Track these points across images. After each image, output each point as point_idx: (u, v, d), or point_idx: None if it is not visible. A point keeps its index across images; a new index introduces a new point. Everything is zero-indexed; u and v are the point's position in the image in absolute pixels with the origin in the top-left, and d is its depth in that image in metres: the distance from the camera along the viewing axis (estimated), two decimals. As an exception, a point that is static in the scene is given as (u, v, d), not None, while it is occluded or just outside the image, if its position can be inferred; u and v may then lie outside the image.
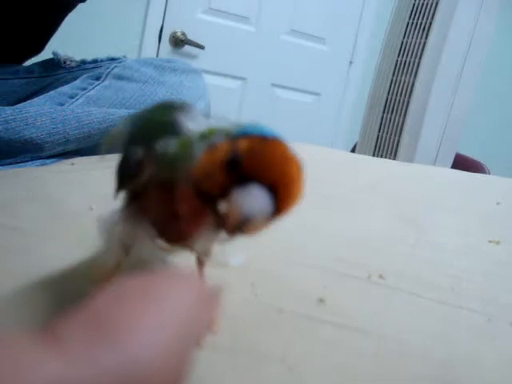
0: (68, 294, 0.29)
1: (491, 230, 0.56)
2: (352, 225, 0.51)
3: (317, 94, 2.49)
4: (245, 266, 0.35)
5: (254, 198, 0.23)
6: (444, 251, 0.47)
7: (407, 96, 1.54)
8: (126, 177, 0.30)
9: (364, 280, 0.37)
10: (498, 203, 0.71)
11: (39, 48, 0.96)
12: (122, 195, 0.30)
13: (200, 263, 0.32)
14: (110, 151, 0.32)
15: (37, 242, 0.36)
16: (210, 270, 0.32)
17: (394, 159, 1.60)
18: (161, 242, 0.30)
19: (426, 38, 1.49)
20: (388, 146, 1.61)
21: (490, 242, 0.52)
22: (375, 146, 1.64)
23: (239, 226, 0.23)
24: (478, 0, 1.49)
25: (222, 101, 1.91)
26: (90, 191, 0.48)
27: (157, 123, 0.30)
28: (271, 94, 2.35)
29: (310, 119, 2.48)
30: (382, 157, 1.63)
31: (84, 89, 0.80)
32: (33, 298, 0.29)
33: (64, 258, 0.33)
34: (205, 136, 0.26)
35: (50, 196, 0.45)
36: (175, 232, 0.29)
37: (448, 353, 0.30)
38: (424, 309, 0.35)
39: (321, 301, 0.33)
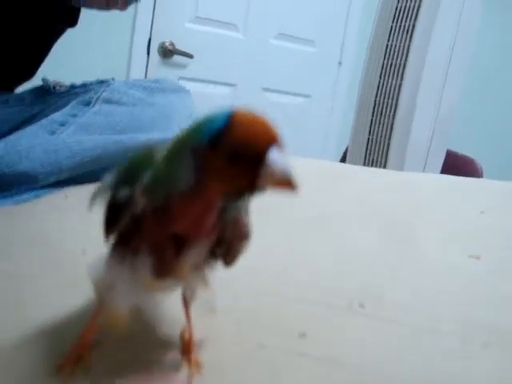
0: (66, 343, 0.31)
1: (472, 244, 0.58)
2: (336, 247, 0.53)
3: (307, 96, 2.51)
4: (231, 303, 0.37)
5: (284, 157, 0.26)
6: (424, 271, 0.49)
7: (395, 98, 1.56)
8: (114, 218, 0.31)
9: (345, 309, 0.39)
10: (481, 212, 0.73)
11: (31, 73, 0.97)
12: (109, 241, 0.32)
13: (186, 304, 0.34)
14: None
15: (33, 289, 0.38)
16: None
17: (385, 161, 1.62)
18: (151, 279, 0.31)
19: (410, 40, 1.51)
20: (379, 149, 1.63)
21: (469, 256, 0.54)
22: (366, 149, 1.66)
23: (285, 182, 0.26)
24: (459, 0, 1.51)
25: (212, 108, 1.91)
26: (83, 232, 0.50)
27: (139, 163, 0.32)
28: (262, 99, 2.36)
29: (302, 121, 2.49)
30: (373, 160, 1.65)
31: (74, 115, 0.81)
32: (30, 349, 0.31)
33: (60, 306, 0.35)
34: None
35: (46, 238, 0.47)
36: (171, 258, 0.30)
37: (423, 381, 0.32)
38: (401, 336, 0.37)
39: (302, 335, 0.35)
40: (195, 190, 0.28)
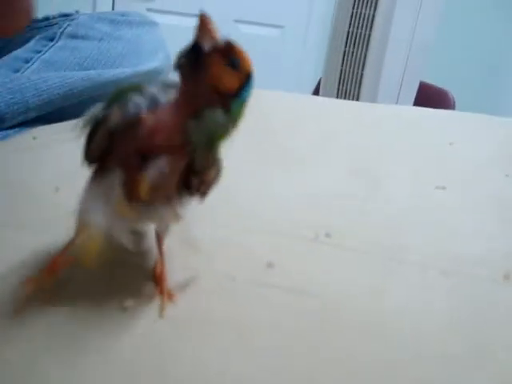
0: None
1: (439, 175, 0.60)
2: (303, 181, 0.54)
3: (280, 26, 2.46)
4: (199, 237, 0.37)
5: None
6: (391, 203, 0.50)
7: (368, 29, 1.54)
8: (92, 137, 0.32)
9: (311, 240, 0.40)
10: (450, 143, 0.74)
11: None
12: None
13: (159, 237, 0.35)
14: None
15: (4, 232, 0.38)
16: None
17: (358, 93, 1.62)
18: (123, 202, 0.32)
19: (385, -32, 1.48)
20: (352, 80, 1.62)
21: (436, 188, 0.55)
22: (339, 81, 1.65)
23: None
24: None
25: (183, 42, 1.87)
26: (54, 170, 0.50)
27: (125, 90, 0.32)
28: (234, 31, 2.30)
29: (275, 53, 2.45)
30: (346, 91, 1.64)
31: (38, 51, 0.79)
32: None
33: (36, 247, 0.36)
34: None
35: (14, 179, 0.46)
36: (136, 173, 0.30)
37: (383, 310, 0.33)
38: (365, 266, 0.38)
39: (269, 266, 0.36)
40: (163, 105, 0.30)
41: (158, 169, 0.30)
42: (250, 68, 0.31)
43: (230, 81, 0.31)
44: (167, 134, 0.30)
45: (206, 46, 0.30)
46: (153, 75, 0.86)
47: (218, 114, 0.31)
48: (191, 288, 0.33)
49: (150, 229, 0.36)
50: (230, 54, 0.30)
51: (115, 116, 0.31)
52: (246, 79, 0.31)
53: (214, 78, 0.30)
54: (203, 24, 0.30)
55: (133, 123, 0.30)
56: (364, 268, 0.38)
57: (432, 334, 0.31)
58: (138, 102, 0.31)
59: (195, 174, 0.32)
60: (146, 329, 0.29)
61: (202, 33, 0.30)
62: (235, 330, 0.30)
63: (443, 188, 0.55)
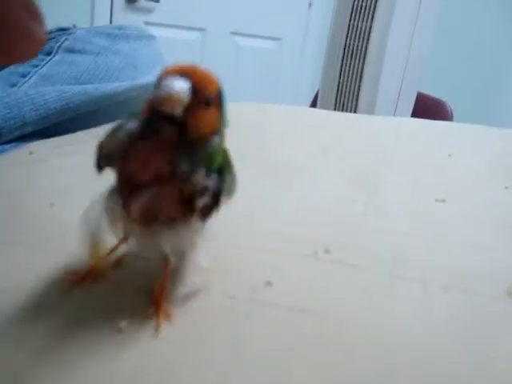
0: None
1: (439, 187, 0.59)
2: (301, 194, 0.54)
3: (278, 39, 2.47)
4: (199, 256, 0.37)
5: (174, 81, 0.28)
6: (390, 216, 0.50)
7: (365, 41, 1.55)
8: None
9: (311, 257, 0.40)
10: (449, 155, 0.74)
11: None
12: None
13: (166, 261, 0.34)
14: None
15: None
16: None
17: (355, 105, 1.62)
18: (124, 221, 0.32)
19: (381, -20, 1.48)
20: (349, 93, 1.63)
21: (436, 200, 0.55)
22: (336, 93, 1.66)
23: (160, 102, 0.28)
24: None
25: (181, 54, 1.89)
26: (49, 185, 0.49)
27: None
28: (232, 43, 2.32)
29: (273, 65, 2.46)
30: (343, 104, 1.65)
31: (35, 66, 0.79)
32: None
33: (32, 266, 0.35)
34: None
35: (9, 194, 0.46)
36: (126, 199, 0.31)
37: (383, 326, 0.33)
38: (365, 282, 0.38)
39: (268, 284, 0.35)
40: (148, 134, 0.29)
41: (146, 198, 0.30)
42: (217, 87, 0.30)
43: (211, 119, 0.30)
44: (155, 168, 0.29)
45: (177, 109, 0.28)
46: (150, 89, 0.86)
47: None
48: (189, 307, 0.33)
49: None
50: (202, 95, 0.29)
51: (107, 144, 0.31)
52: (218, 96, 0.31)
53: (194, 127, 0.29)
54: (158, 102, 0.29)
55: (121, 154, 0.30)
56: (364, 284, 0.37)
57: (434, 351, 0.31)
58: (130, 128, 0.30)
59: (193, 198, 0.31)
60: (143, 349, 0.28)
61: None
62: (235, 349, 0.29)
63: (443, 201, 0.55)
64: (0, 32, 0.24)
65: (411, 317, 0.34)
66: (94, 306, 0.32)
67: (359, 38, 1.56)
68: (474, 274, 0.40)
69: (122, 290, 0.34)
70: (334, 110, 1.68)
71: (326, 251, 0.41)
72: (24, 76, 0.76)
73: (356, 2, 1.55)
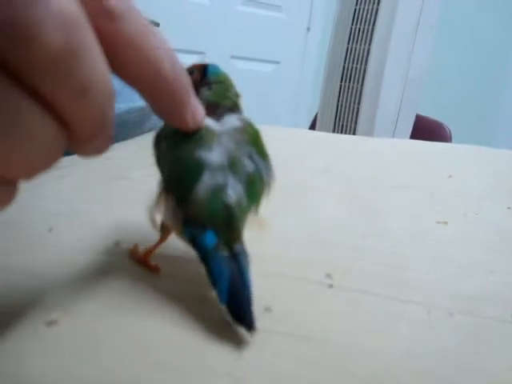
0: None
1: (440, 209, 0.59)
2: (301, 217, 0.53)
3: (276, 62, 2.49)
4: (196, 276, 0.36)
5: None
6: (392, 239, 0.49)
7: (363, 63, 1.55)
8: None
9: (312, 282, 0.39)
10: (450, 176, 0.74)
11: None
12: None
13: (165, 230, 0.37)
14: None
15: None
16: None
17: (354, 127, 1.62)
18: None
19: (378, 4, 1.50)
20: (348, 115, 1.63)
21: (438, 222, 0.54)
22: (335, 115, 1.66)
23: None
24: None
25: (180, 78, 1.89)
26: (48, 209, 0.49)
27: None
28: (231, 67, 2.33)
29: (271, 88, 2.48)
30: (342, 126, 1.65)
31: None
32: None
33: (27, 290, 0.34)
34: None
35: (7, 218, 0.45)
36: None
37: (388, 351, 0.32)
38: (368, 307, 0.36)
39: (267, 310, 0.34)
40: None
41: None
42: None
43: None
44: None
45: None
46: (147, 111, 0.86)
47: None
48: (184, 333, 0.32)
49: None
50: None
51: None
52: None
53: None
54: None
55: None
56: (366, 309, 0.36)
57: (440, 378, 0.29)
58: None
59: None
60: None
61: None
62: (234, 377, 0.28)
63: (445, 223, 0.54)
64: None
65: (416, 342, 0.33)
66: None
67: (357, 60, 1.57)
68: (478, 297, 0.39)
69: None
70: (333, 132, 1.68)
71: (328, 276, 0.40)
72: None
73: (354, 26, 1.56)
